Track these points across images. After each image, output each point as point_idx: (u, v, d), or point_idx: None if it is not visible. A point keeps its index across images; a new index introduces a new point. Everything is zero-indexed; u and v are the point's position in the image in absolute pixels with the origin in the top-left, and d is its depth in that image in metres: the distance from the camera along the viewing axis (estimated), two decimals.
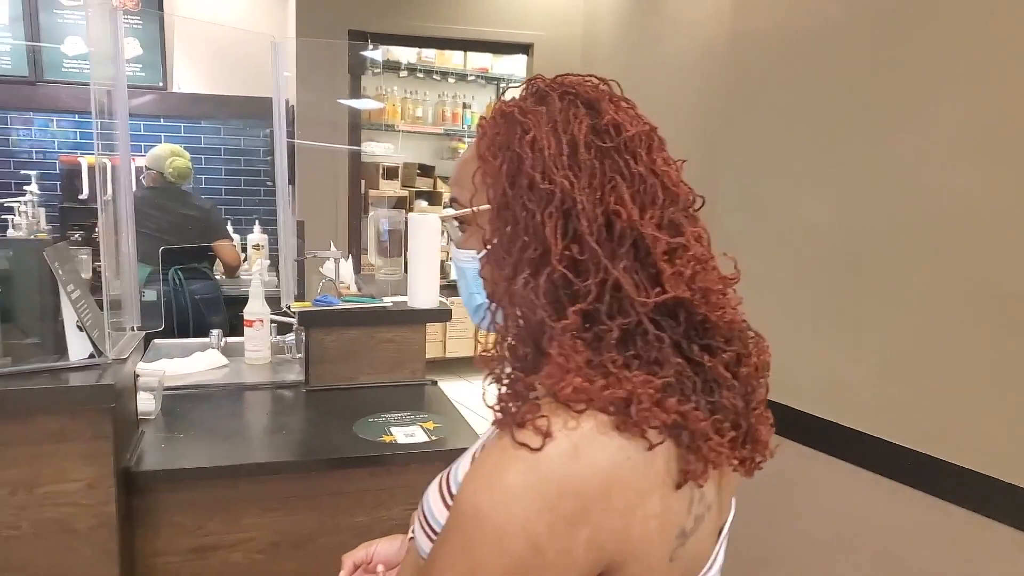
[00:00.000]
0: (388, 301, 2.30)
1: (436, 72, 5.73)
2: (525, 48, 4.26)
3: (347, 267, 2.68)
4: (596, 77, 0.74)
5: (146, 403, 1.80)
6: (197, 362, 2.38)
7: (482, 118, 0.73)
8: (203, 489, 1.61)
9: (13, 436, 1.35)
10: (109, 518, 1.40)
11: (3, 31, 3.99)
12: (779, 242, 2.21)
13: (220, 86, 4.43)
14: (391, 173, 5.33)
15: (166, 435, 1.74)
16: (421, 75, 5.71)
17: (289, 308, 2.39)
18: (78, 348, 1.46)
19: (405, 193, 5.39)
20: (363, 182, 4.78)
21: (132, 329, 1.76)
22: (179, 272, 3.41)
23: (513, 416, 0.62)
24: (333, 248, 2.51)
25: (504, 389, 0.67)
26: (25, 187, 3.88)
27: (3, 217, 3.72)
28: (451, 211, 0.78)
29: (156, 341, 2.61)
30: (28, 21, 4.01)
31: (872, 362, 1.90)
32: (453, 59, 5.73)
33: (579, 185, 0.66)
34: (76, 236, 3.79)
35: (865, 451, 1.89)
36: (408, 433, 1.83)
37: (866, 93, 1.91)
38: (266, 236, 4.24)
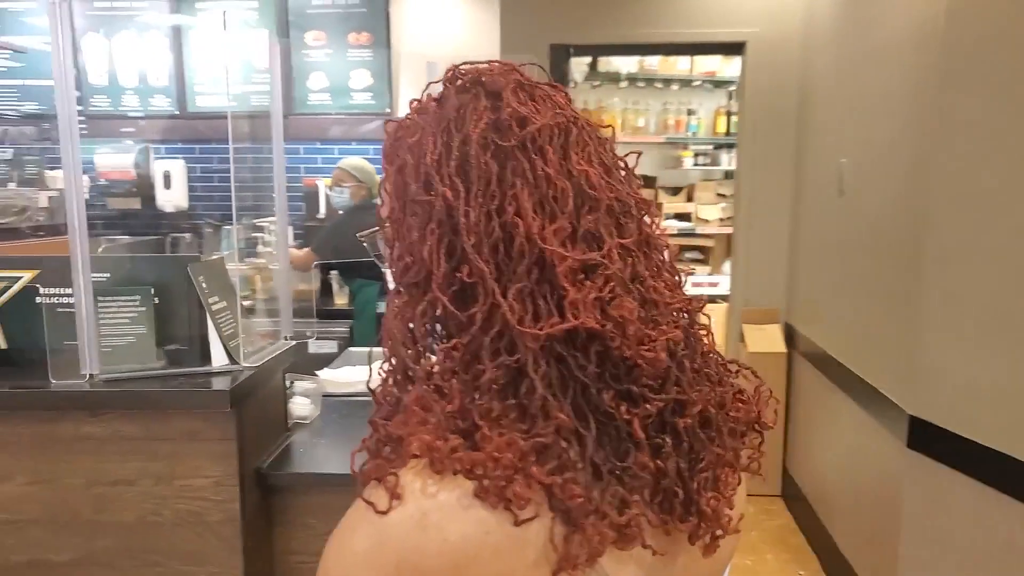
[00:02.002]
0: None
1: (659, 80, 5.60)
2: (737, 47, 3.99)
3: None
4: (510, 64, 0.62)
5: (302, 407, 1.92)
6: (365, 372, 2.51)
7: (389, 121, 0.65)
8: (331, 494, 1.67)
9: (159, 431, 1.50)
10: (234, 514, 1.51)
11: (262, 73, 4.58)
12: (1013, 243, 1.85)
13: None
14: None
15: (313, 440, 1.84)
16: (642, 84, 5.61)
17: None
18: (219, 356, 1.59)
19: None
20: None
21: (285, 339, 1.89)
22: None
23: (362, 471, 0.55)
24: None
25: (370, 436, 0.58)
26: (275, 209, 4.37)
27: (254, 235, 4.24)
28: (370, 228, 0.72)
29: (350, 349, 2.80)
30: (282, 62, 4.57)
31: None
32: (678, 64, 5.56)
33: (469, 194, 0.56)
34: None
35: None
36: None
37: None
38: None
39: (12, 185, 4.07)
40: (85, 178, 4.11)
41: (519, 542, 0.52)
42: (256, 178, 4.94)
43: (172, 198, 4.36)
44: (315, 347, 3.31)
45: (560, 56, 4.03)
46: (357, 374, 2.49)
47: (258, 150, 4.89)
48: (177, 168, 4.39)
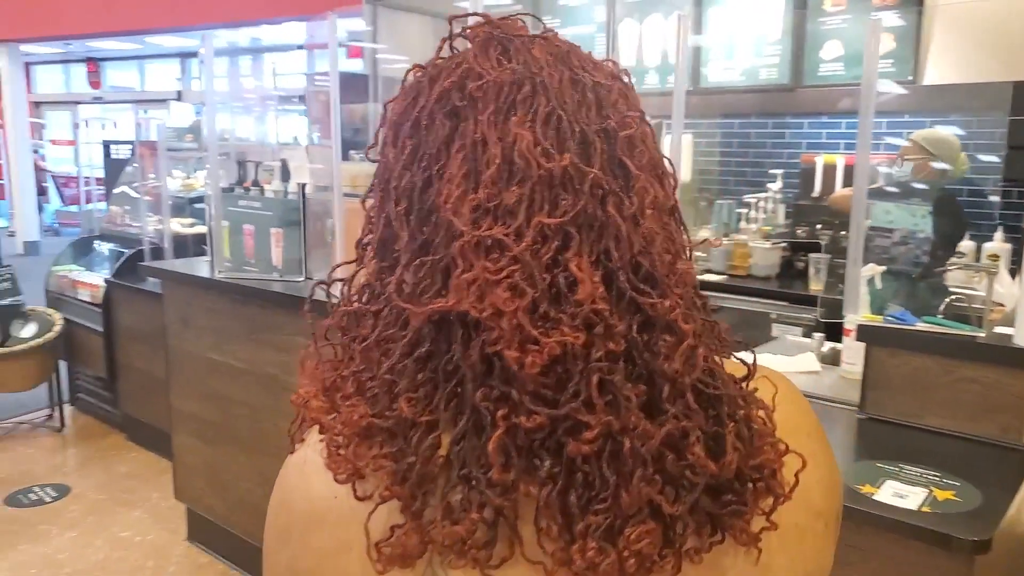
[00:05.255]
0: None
1: None
2: None
3: (1009, 284, 2.18)
4: (509, 16, 0.55)
5: None
6: (789, 363, 2.34)
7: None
8: None
9: None
10: None
11: (773, 44, 4.45)
12: None
13: (975, 74, 3.95)
14: None
15: None
16: None
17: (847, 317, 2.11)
18: None
19: None
20: None
21: None
22: None
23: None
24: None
25: None
26: (768, 185, 4.30)
27: (738, 211, 4.23)
28: None
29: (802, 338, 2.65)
30: (794, 32, 4.37)
31: None
32: None
33: (415, 156, 0.53)
34: (801, 232, 4.02)
35: None
36: (901, 492, 1.46)
37: None
38: (1008, 245, 3.65)
39: None
40: None
41: (358, 516, 0.50)
42: (757, 153, 4.95)
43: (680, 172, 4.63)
44: (777, 332, 3.23)
45: None
46: (780, 364, 2.36)
47: (763, 125, 4.90)
48: (685, 142, 4.62)
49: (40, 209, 12.90)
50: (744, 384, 0.54)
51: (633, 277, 0.49)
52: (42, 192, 13.24)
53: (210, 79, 3.16)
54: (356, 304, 0.55)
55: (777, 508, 0.51)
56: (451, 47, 0.56)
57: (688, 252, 0.57)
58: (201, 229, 4.18)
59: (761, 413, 0.53)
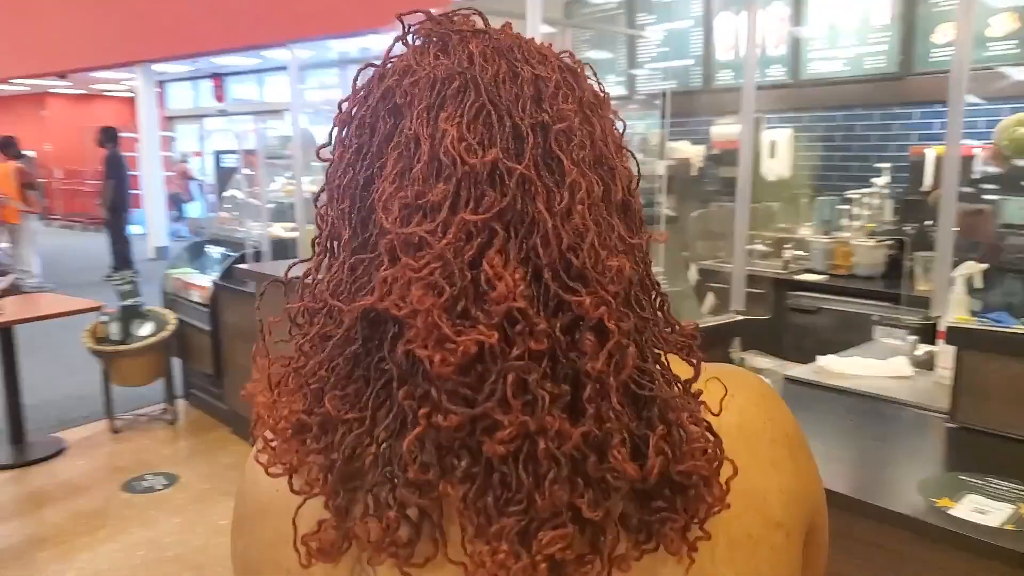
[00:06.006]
0: None
1: None
2: None
3: None
4: (459, 11, 0.55)
5: None
6: (878, 366, 2.20)
7: None
8: None
9: None
10: None
11: (880, 31, 4.19)
12: None
13: None
14: None
15: None
16: None
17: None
18: None
19: None
20: None
21: (735, 312, 1.82)
22: None
23: None
24: None
25: None
26: (873, 179, 4.07)
27: (841, 208, 4.01)
28: None
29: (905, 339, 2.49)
30: (904, 17, 4.11)
31: None
32: None
33: (360, 154, 0.53)
34: (909, 229, 3.79)
35: None
36: (983, 508, 1.33)
37: None
38: None
39: (640, 155, 4.72)
40: (701, 148, 4.50)
41: (293, 509, 0.51)
42: (862, 146, 4.69)
43: (775, 167, 4.43)
44: (880, 334, 3.06)
45: None
46: (870, 367, 2.22)
47: (868, 116, 4.63)
48: (784, 137, 4.44)
49: (181, 214, 13.83)
50: (688, 386, 0.51)
51: (563, 274, 0.47)
52: (182, 201, 14.18)
53: (296, 90, 3.28)
54: (302, 302, 0.55)
55: (711, 517, 0.48)
56: (404, 45, 0.55)
57: (643, 248, 0.54)
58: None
59: (708, 417, 0.51)
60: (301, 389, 0.52)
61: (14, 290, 2.95)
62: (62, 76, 13.53)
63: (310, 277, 0.56)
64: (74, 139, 16.27)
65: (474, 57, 0.51)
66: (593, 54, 5.44)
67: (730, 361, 1.84)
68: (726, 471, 0.49)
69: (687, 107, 4.64)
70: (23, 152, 9.49)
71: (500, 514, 0.46)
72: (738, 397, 0.54)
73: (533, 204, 0.48)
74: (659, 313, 0.54)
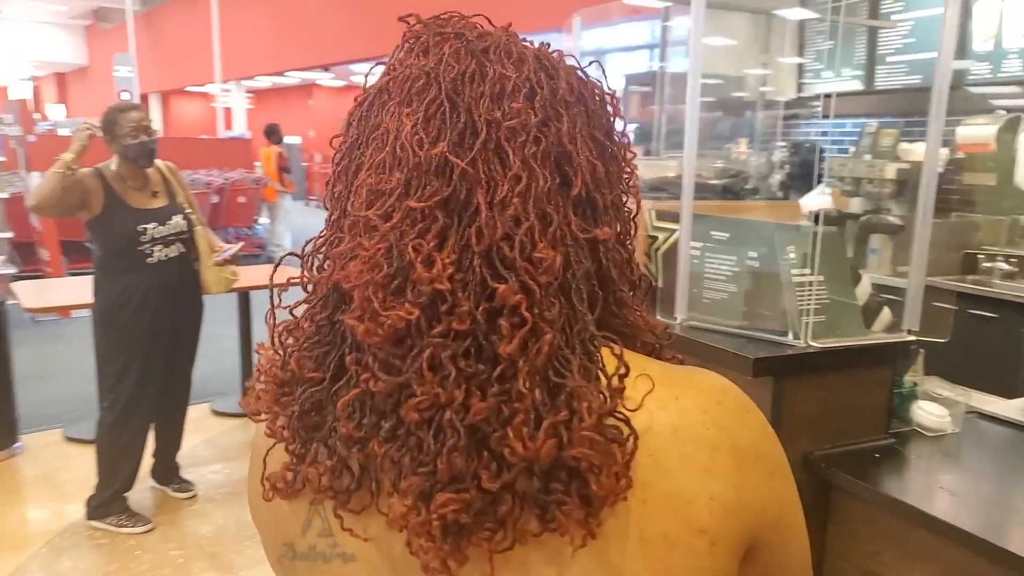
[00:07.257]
0: None
1: None
2: None
3: None
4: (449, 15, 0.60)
5: (926, 416, 1.63)
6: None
7: None
8: (889, 516, 1.43)
9: None
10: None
11: None
12: None
13: None
14: None
15: (916, 454, 1.58)
16: None
17: None
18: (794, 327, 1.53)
19: None
20: None
21: (907, 332, 1.62)
22: None
23: None
24: None
25: None
26: None
27: None
28: None
29: None
30: None
31: None
32: None
33: (351, 145, 0.60)
34: None
35: None
36: None
37: None
38: None
39: (867, 157, 4.36)
40: (944, 151, 4.10)
41: (267, 448, 0.59)
42: None
43: None
44: None
45: None
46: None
47: None
48: None
49: None
50: (612, 380, 0.52)
51: (496, 261, 0.51)
52: None
53: None
54: (301, 273, 0.61)
55: (609, 507, 0.50)
56: (405, 47, 0.60)
57: (611, 242, 0.58)
58: None
59: (642, 416, 0.52)
60: (285, 348, 0.59)
61: (234, 260, 3.31)
62: (326, 69, 15.02)
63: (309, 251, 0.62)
64: (335, 127, 18.01)
65: (444, 57, 0.56)
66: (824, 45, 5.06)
67: (898, 385, 1.64)
68: (644, 468, 0.50)
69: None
70: (283, 139, 10.67)
71: (412, 473, 0.51)
72: (683, 400, 0.55)
73: (474, 195, 0.52)
74: (616, 308, 0.58)
